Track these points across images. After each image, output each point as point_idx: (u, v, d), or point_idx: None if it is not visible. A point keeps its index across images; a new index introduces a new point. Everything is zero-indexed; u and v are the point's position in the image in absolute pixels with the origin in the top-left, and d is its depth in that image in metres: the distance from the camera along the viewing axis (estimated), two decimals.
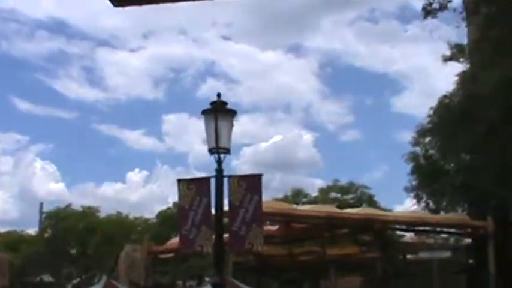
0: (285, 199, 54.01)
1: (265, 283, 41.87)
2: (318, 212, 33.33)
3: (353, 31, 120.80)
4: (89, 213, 68.48)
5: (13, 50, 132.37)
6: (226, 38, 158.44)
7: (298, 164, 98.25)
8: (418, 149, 32.60)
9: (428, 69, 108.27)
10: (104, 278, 37.15)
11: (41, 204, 65.45)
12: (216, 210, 11.63)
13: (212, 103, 12.10)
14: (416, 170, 32.34)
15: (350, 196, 62.55)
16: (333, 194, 63.24)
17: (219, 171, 11.78)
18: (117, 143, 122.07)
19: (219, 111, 11.96)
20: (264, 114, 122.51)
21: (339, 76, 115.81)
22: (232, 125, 12.19)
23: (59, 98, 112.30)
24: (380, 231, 33.03)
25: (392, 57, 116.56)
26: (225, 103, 12.10)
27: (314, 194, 64.68)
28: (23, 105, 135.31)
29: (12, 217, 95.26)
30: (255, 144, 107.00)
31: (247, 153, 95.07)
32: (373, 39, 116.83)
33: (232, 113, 12.25)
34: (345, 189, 63.33)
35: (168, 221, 55.88)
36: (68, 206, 69.70)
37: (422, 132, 31.82)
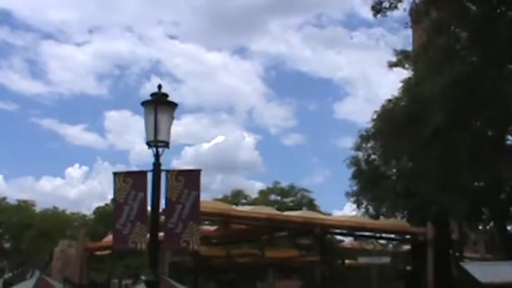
0: (225, 199, 53.52)
1: (202, 284, 41.39)
2: (258, 213, 33.04)
3: (300, 36, 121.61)
4: (24, 207, 67.04)
5: None
6: (172, 37, 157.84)
7: (240, 166, 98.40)
8: (360, 153, 32.63)
9: (371, 77, 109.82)
10: (37, 274, 36.33)
11: None
12: (152, 205, 11.08)
13: (152, 94, 11.58)
14: (358, 175, 32.33)
15: (290, 199, 62.26)
16: (273, 197, 62.91)
17: (157, 165, 11.24)
18: (57, 138, 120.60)
19: (160, 103, 11.43)
20: (207, 115, 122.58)
21: (283, 80, 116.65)
22: (173, 118, 11.67)
23: (0, 90, 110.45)
24: (320, 235, 32.79)
25: (338, 63, 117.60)
26: (166, 95, 11.58)
27: (254, 195, 64.49)
28: None
29: None
30: (197, 145, 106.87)
31: (189, 153, 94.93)
32: (319, 44, 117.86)
33: (173, 106, 11.71)
34: (285, 192, 63.03)
35: (105, 217, 54.80)
36: (3, 199, 68.13)
37: (364, 137, 31.80)
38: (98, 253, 42.37)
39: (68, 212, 69.27)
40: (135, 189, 11.44)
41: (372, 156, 32.49)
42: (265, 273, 37.61)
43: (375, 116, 30.24)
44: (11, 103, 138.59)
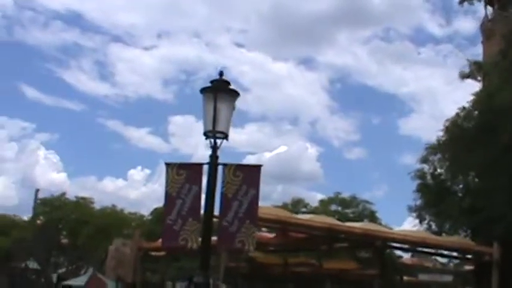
0: (284, 207, 52.48)
1: None
2: (318, 222, 31.94)
3: (367, 49, 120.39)
4: (83, 204, 67.02)
5: (27, 38, 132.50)
6: (239, 45, 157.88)
7: (301, 177, 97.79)
8: (426, 166, 31.41)
9: (438, 93, 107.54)
10: (91, 271, 36.04)
11: (37, 190, 64.21)
12: (207, 201, 10.21)
13: (213, 81, 10.71)
14: (422, 189, 31.16)
15: (351, 210, 60.71)
16: (333, 207, 61.57)
17: (213, 157, 10.37)
18: (122, 140, 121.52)
19: (220, 91, 10.56)
20: (271, 124, 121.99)
21: (348, 93, 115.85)
22: (234, 108, 10.79)
23: (69, 90, 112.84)
24: (381, 248, 31.62)
25: (404, 78, 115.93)
26: (228, 82, 10.72)
27: (314, 205, 63.23)
28: (31, 93, 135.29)
29: (12, 203, 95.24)
30: (259, 153, 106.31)
31: (251, 161, 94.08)
32: (386, 58, 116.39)
33: (234, 95, 10.83)
34: (346, 203, 61.58)
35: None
36: (63, 195, 68.27)
37: (432, 149, 30.63)
38: (153, 254, 41.88)
39: (126, 211, 69.20)
40: (189, 182, 10.59)
41: (439, 170, 31.24)
42: (323, 284, 36.57)
43: (442, 130, 29.03)
44: (79, 103, 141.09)
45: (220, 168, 10.46)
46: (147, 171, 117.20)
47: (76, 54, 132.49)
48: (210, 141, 10.47)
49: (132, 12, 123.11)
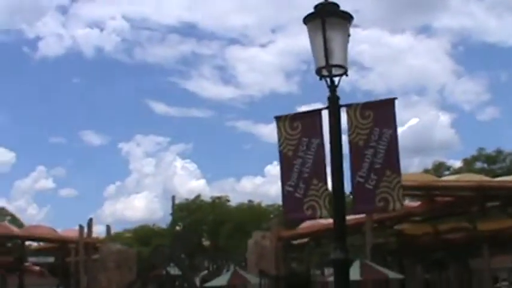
0: (426, 173, 49.40)
1: (409, 266, 37.92)
2: (467, 182, 29.29)
3: (483, 6, 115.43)
4: (218, 203, 66.22)
5: (147, 56, 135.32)
6: (354, 26, 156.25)
7: (437, 147, 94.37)
8: None
9: None
10: (232, 269, 34.51)
11: (173, 197, 63.58)
12: (333, 154, 7.95)
13: (317, 6, 8.39)
14: None
15: (498, 166, 57.02)
16: (478, 164, 57.88)
17: (333, 99, 8.07)
18: (254, 139, 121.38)
19: (329, 15, 8.23)
20: (399, 98, 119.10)
21: (472, 54, 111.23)
22: (349, 35, 8.43)
23: (195, 98, 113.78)
24: None
25: None
26: (336, 4, 8.38)
27: (457, 166, 59.69)
28: (159, 108, 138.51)
29: (158, 216, 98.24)
30: None
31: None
32: (505, 11, 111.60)
33: (347, 17, 8.46)
34: (492, 158, 57.83)
35: None
36: (197, 197, 67.75)
37: None
38: (295, 243, 40.12)
39: (263, 205, 67.88)
40: (307, 135, 8.32)
41: None
42: (479, 249, 33.51)
43: None
44: (206, 110, 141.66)
45: (343, 112, 8.16)
46: None
47: (196, 63, 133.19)
48: (326, 81, 8.18)
49: (243, 14, 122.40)
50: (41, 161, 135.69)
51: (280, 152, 8.50)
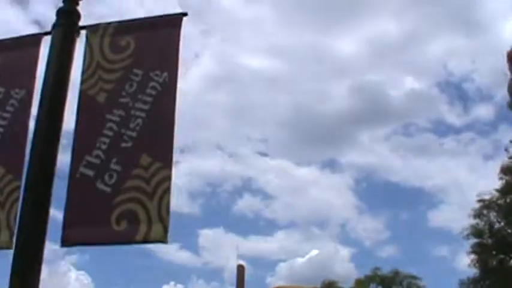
0: None
1: None
2: None
3: (388, 146, 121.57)
4: None
5: None
6: (262, 154, 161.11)
7: (335, 279, 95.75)
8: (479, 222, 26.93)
9: (464, 183, 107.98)
10: None
11: None
12: (44, 121, 3.81)
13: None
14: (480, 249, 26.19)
15: None
16: (372, 287, 54.73)
17: (70, 11, 4.01)
18: (151, 257, 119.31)
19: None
20: (300, 230, 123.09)
21: (374, 191, 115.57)
22: None
23: None
24: None
25: (428, 171, 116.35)
26: None
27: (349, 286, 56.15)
28: None
29: None
30: (291, 259, 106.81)
31: (284, 268, 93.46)
32: (408, 153, 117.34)
33: None
34: (388, 280, 54.24)
35: None
36: None
37: (486, 204, 27.08)
38: None
39: None
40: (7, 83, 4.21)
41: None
42: None
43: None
44: None
45: (82, 39, 4.03)
46: (180, 286, 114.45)
47: None
48: None
49: None
50: None
51: None
